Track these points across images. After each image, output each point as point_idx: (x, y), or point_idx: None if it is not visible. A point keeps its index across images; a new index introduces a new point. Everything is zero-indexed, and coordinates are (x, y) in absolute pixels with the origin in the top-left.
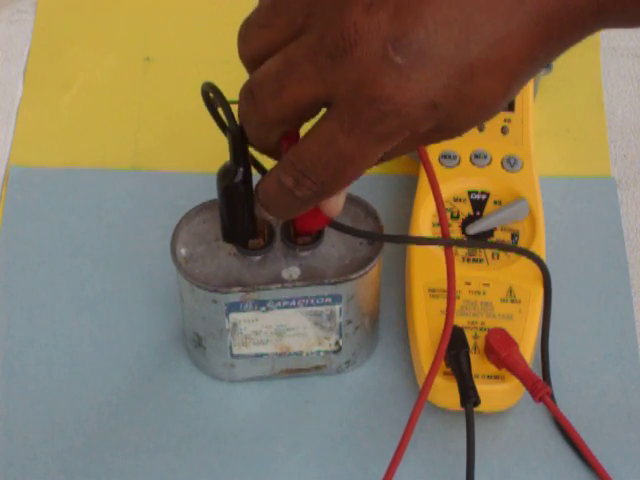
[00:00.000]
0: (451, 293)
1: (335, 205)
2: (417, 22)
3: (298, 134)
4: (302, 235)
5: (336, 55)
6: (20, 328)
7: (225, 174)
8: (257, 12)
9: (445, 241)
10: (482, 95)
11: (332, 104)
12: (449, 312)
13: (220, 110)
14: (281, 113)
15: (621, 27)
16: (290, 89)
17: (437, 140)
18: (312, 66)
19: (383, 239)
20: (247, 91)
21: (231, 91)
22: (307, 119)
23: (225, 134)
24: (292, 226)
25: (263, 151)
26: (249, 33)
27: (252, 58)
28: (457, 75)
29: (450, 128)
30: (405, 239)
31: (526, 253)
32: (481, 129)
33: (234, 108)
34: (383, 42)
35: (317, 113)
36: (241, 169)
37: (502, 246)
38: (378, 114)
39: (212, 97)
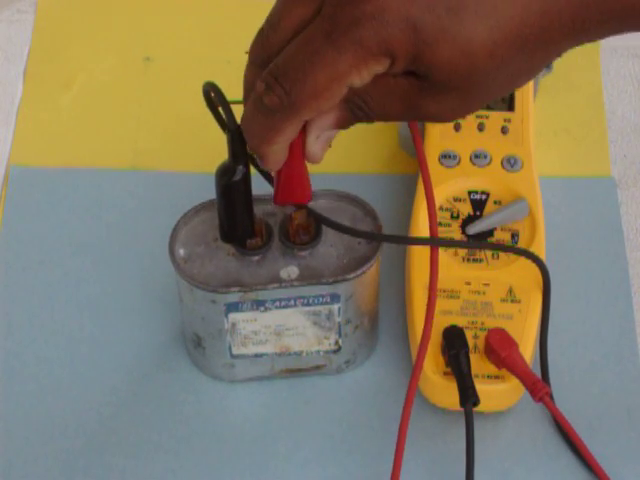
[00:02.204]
0: (434, 275)
1: (313, 147)
2: None
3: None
4: (297, 235)
5: None
6: (20, 328)
7: (224, 173)
8: None
9: (445, 242)
10: (465, 36)
11: (320, 12)
12: (432, 291)
13: (220, 109)
14: (281, 42)
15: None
16: (288, 11)
17: (422, 107)
18: None
19: (380, 239)
20: (259, 30)
21: (232, 91)
22: None
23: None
24: (276, 189)
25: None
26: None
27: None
28: (443, 3)
29: (427, 72)
30: (402, 239)
31: (525, 253)
32: (481, 129)
33: (234, 107)
34: None
35: None
36: (240, 167)
37: (501, 247)
38: (357, 14)
39: (213, 97)
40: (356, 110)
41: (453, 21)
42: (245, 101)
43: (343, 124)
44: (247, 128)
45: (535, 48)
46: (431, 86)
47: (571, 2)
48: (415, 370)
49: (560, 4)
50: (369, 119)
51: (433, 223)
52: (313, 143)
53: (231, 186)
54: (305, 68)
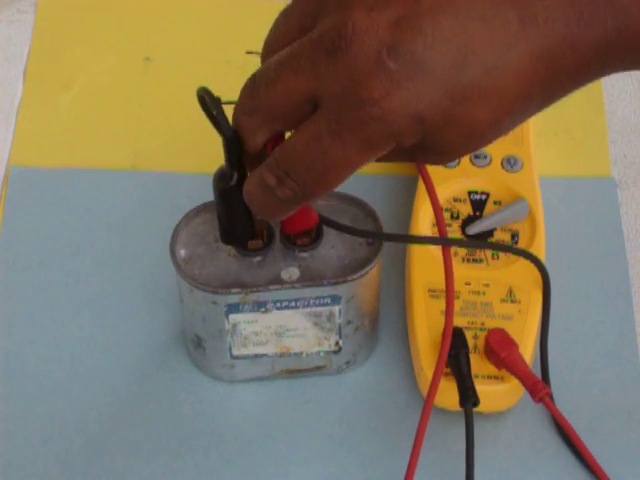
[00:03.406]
0: (450, 295)
1: None
2: (416, 33)
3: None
4: (298, 237)
5: (332, 52)
6: (20, 328)
7: (221, 177)
8: (283, 11)
9: (444, 241)
10: (469, 121)
11: (321, 103)
12: (448, 314)
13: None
14: (272, 103)
15: (633, 69)
16: (284, 79)
17: (423, 160)
18: (309, 60)
19: (382, 238)
20: (251, 77)
21: (231, 92)
22: (295, 121)
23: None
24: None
25: (249, 148)
26: (271, 29)
27: (266, 51)
28: (447, 94)
29: (434, 149)
30: (404, 238)
31: (525, 254)
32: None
33: (230, 110)
34: (379, 45)
35: (306, 115)
36: (236, 172)
37: (501, 247)
38: (364, 117)
39: (208, 101)
40: None
41: (457, 109)
42: (244, 150)
43: None
44: (254, 204)
45: (536, 110)
46: (433, 151)
47: (574, 64)
48: (425, 409)
49: (562, 68)
50: None
51: (441, 223)
52: None
53: (228, 191)
54: (316, 166)
